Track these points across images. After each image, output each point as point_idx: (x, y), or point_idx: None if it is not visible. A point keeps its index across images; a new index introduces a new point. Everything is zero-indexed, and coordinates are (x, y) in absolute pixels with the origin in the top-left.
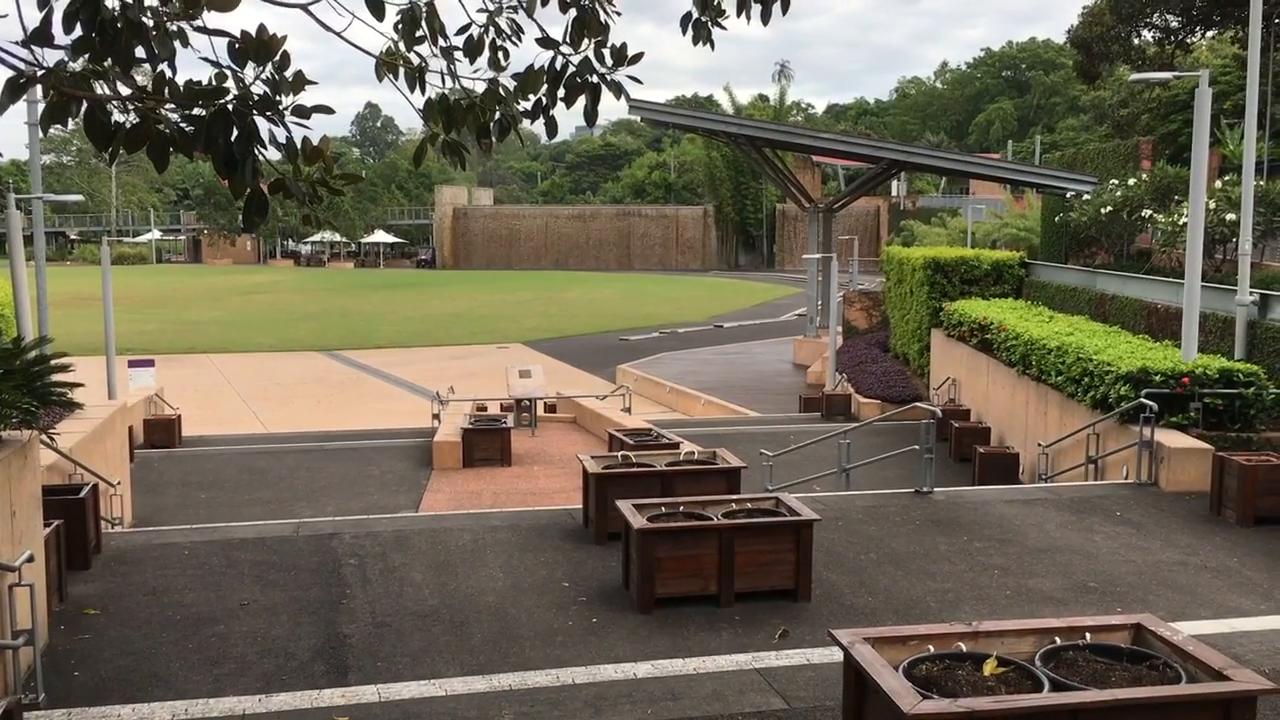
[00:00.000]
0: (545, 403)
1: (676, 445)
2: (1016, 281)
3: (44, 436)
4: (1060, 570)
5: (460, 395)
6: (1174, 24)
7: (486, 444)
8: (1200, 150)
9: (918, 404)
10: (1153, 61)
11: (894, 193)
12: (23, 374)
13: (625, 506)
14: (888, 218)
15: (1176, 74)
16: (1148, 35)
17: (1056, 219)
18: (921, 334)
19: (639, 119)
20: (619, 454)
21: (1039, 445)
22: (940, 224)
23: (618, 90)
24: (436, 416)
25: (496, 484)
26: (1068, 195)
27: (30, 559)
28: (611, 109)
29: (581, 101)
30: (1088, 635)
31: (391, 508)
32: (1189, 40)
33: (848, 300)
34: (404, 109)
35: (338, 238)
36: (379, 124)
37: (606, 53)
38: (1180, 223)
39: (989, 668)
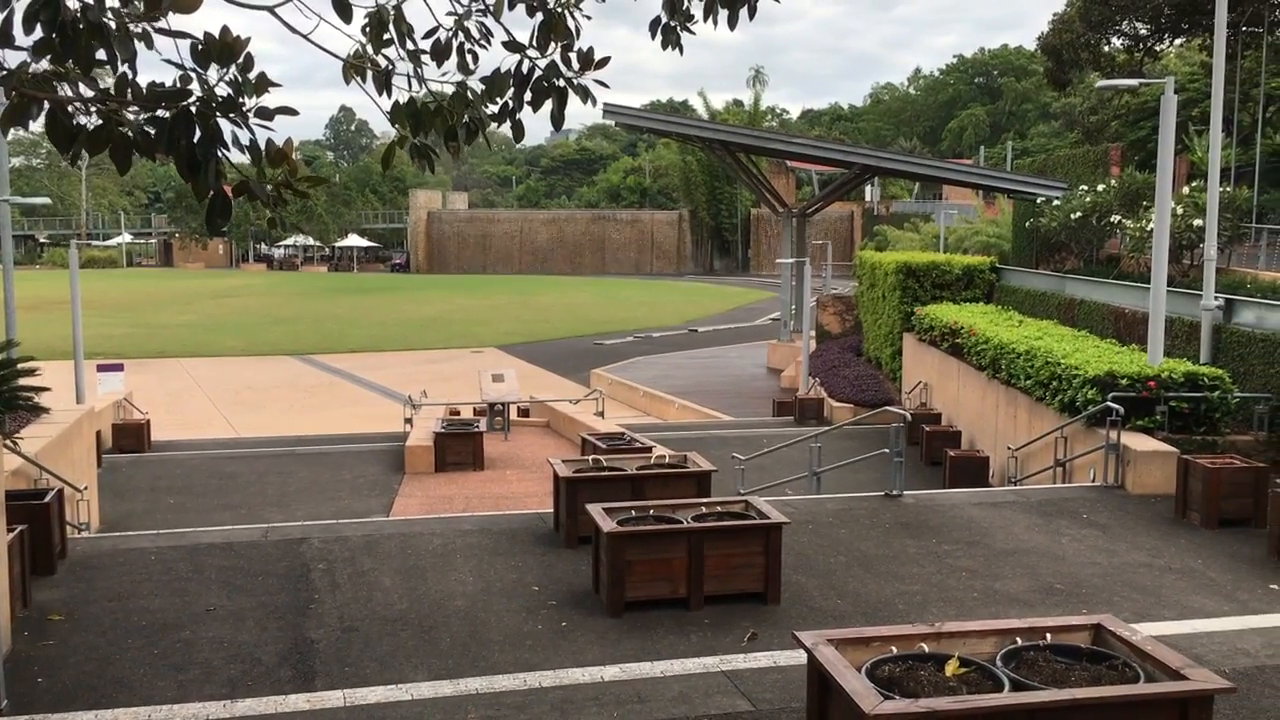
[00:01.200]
0: (518, 407)
1: (649, 449)
2: (987, 286)
3: (8, 441)
4: (1027, 572)
5: (433, 399)
6: (1143, 31)
7: (459, 448)
8: (1165, 156)
9: (889, 408)
10: (1122, 69)
11: (868, 198)
12: None
13: (595, 510)
14: (861, 222)
15: (1144, 81)
16: (1117, 42)
17: (1027, 224)
18: (894, 338)
19: (614, 124)
20: (590, 458)
21: (1008, 448)
22: (913, 229)
23: (584, 94)
24: (409, 421)
25: (468, 488)
26: (1038, 201)
27: None
28: (586, 114)
29: (549, 105)
30: (1048, 636)
31: (363, 512)
32: (1158, 48)
33: (821, 305)
34: (377, 112)
35: (311, 241)
36: (353, 127)
37: (574, 56)
38: (1148, 228)
39: (951, 668)
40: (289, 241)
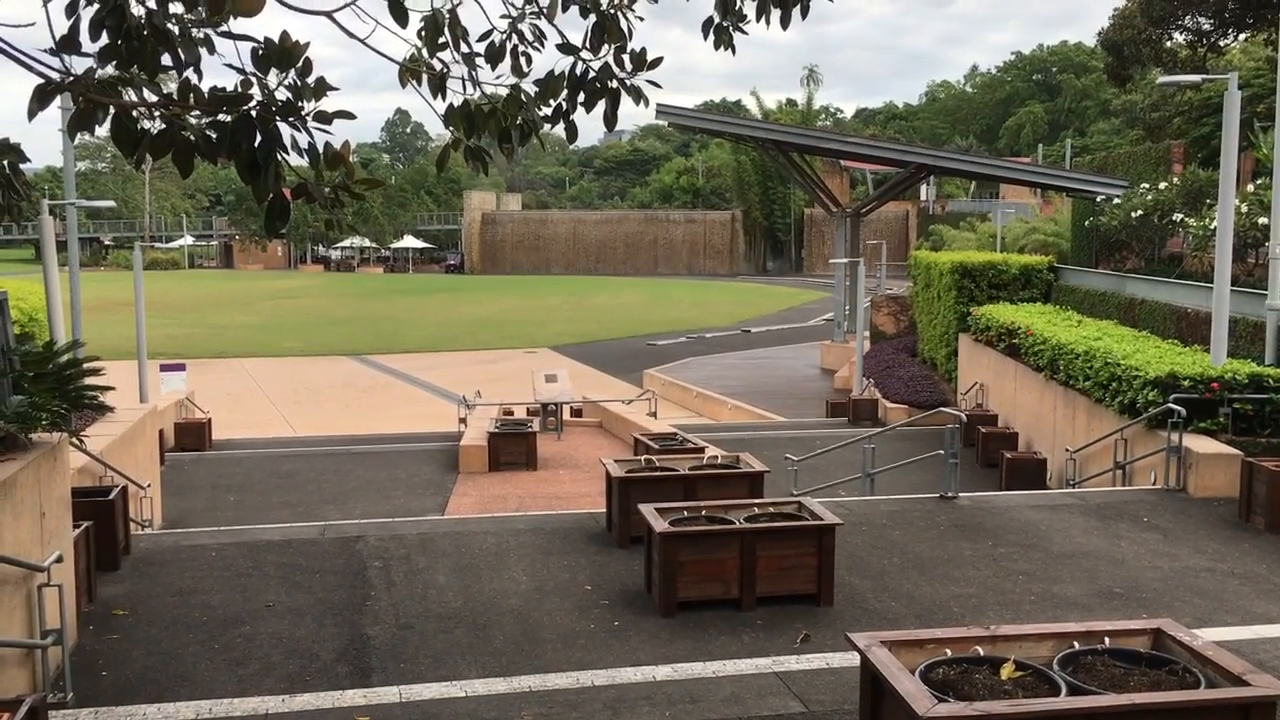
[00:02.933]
0: (571, 407)
1: (701, 450)
2: (1045, 286)
3: (74, 439)
4: (1086, 576)
5: (487, 399)
6: (1206, 26)
7: (512, 448)
8: (1229, 153)
9: (944, 409)
10: (1184, 64)
11: (923, 197)
12: (54, 377)
13: (647, 510)
14: (916, 222)
15: (1207, 77)
16: (1179, 38)
17: (1086, 223)
18: (949, 339)
19: (666, 124)
20: (643, 458)
21: (1066, 450)
22: (969, 228)
23: (637, 95)
24: (463, 420)
25: (521, 488)
26: (1098, 199)
27: (59, 560)
28: (640, 114)
29: (601, 106)
30: (1107, 640)
31: (417, 511)
32: (1221, 43)
33: (875, 305)
34: (433, 115)
35: (367, 243)
36: (408, 130)
37: (626, 58)
38: (1211, 227)
39: (1006, 671)
40: (346, 243)
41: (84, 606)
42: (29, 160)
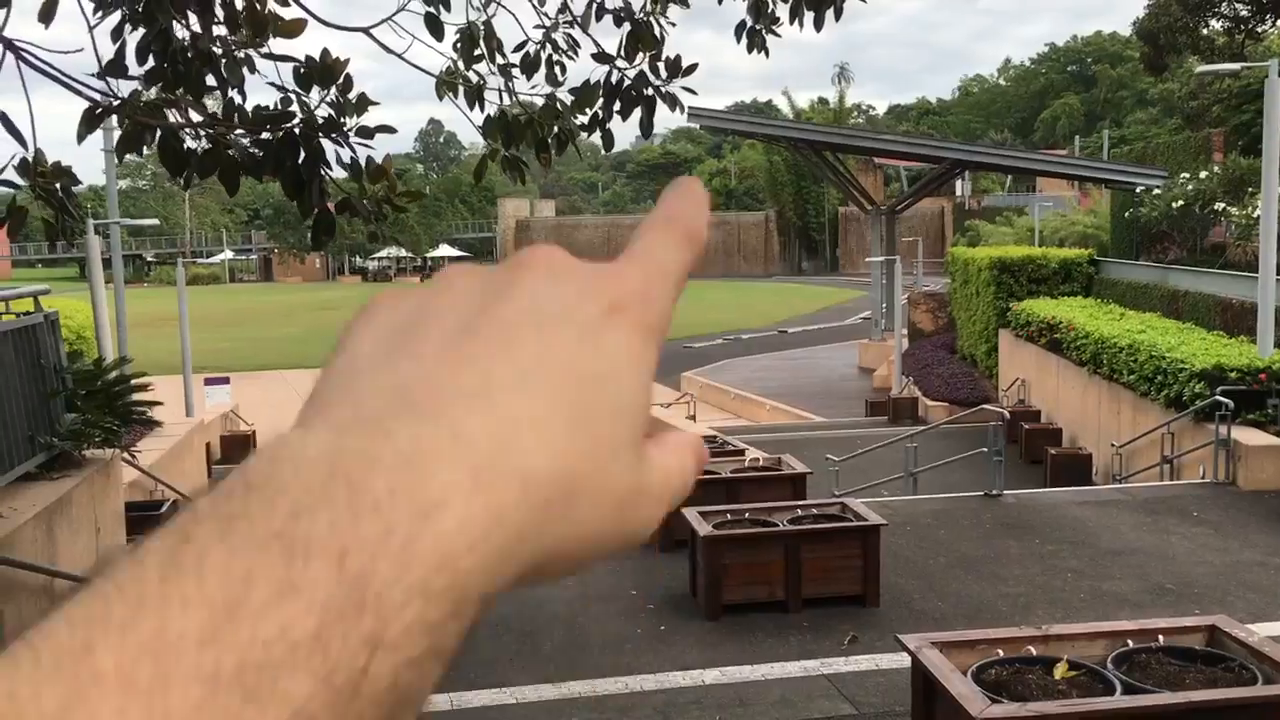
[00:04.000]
0: None
1: (742, 452)
2: (1085, 279)
3: (125, 454)
4: (1135, 572)
5: None
6: (1243, 12)
7: None
8: (1272, 141)
9: (986, 406)
10: (1222, 52)
11: (958, 193)
12: (104, 394)
13: (691, 514)
14: (952, 218)
15: (1246, 64)
16: (1216, 25)
17: (1126, 215)
18: (989, 335)
19: (698, 126)
20: None
21: (1112, 445)
22: (1006, 223)
23: (672, 102)
24: None
25: None
26: (1137, 190)
27: None
28: (671, 118)
29: (637, 114)
30: (1161, 638)
31: None
32: (1259, 29)
33: (913, 302)
34: (466, 124)
35: (404, 253)
36: (442, 139)
37: (661, 65)
38: (1254, 215)
39: (1059, 671)
40: (383, 253)
41: None
42: (80, 183)
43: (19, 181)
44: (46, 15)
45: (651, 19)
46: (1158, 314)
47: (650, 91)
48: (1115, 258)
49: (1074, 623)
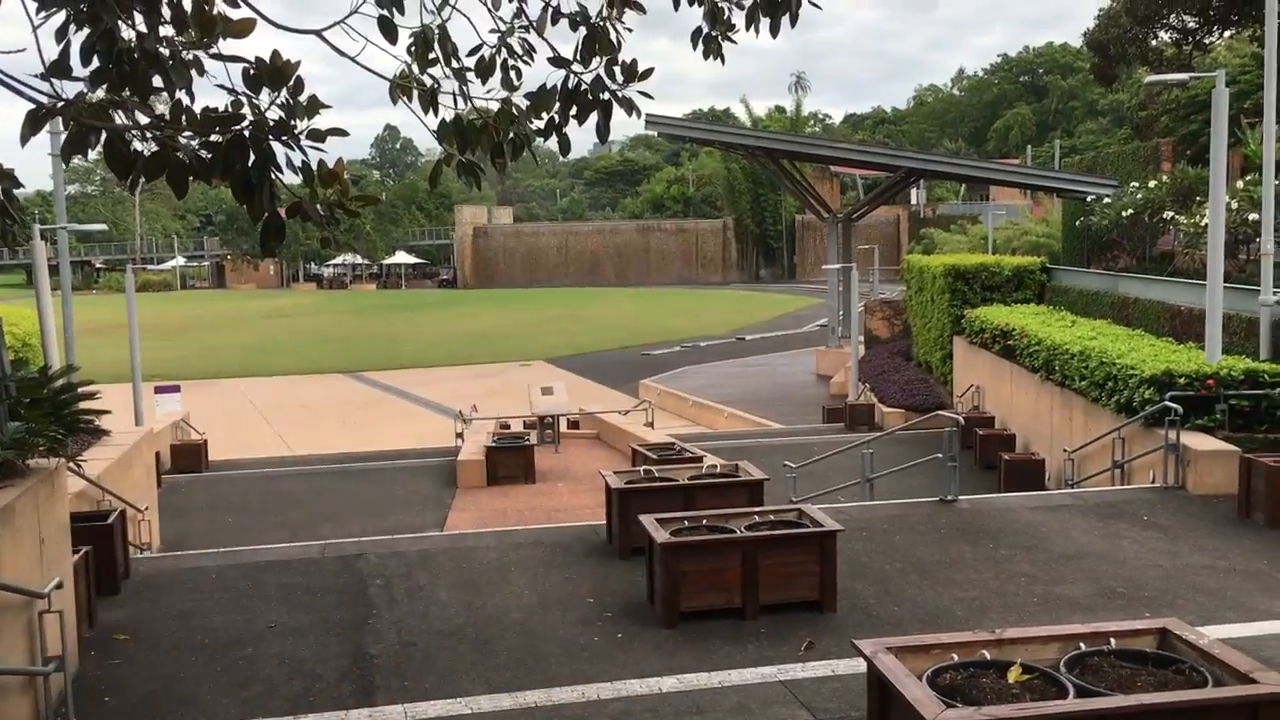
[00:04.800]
0: (568, 419)
1: (699, 459)
2: (1038, 287)
3: (71, 464)
4: (1088, 576)
5: (483, 414)
6: (1191, 24)
7: (510, 462)
8: (1219, 151)
9: (941, 412)
10: (1170, 63)
11: (914, 201)
12: (50, 402)
13: (648, 521)
14: (908, 226)
15: (1194, 75)
16: (1165, 36)
17: (1077, 223)
18: (944, 342)
19: (656, 134)
20: (641, 469)
21: (1064, 451)
22: (961, 231)
23: (629, 106)
24: (460, 435)
25: (521, 501)
26: (1088, 199)
27: (60, 586)
28: (629, 124)
29: (594, 118)
30: (1113, 641)
31: (417, 527)
32: (1207, 40)
33: (869, 310)
34: (422, 130)
35: (359, 260)
36: (398, 146)
37: (617, 69)
38: (1202, 224)
39: (1013, 675)
40: (338, 260)
41: (85, 632)
42: (22, 185)
43: None
44: None
45: (608, 24)
46: (1108, 321)
47: (607, 96)
48: (1067, 265)
49: (1027, 626)
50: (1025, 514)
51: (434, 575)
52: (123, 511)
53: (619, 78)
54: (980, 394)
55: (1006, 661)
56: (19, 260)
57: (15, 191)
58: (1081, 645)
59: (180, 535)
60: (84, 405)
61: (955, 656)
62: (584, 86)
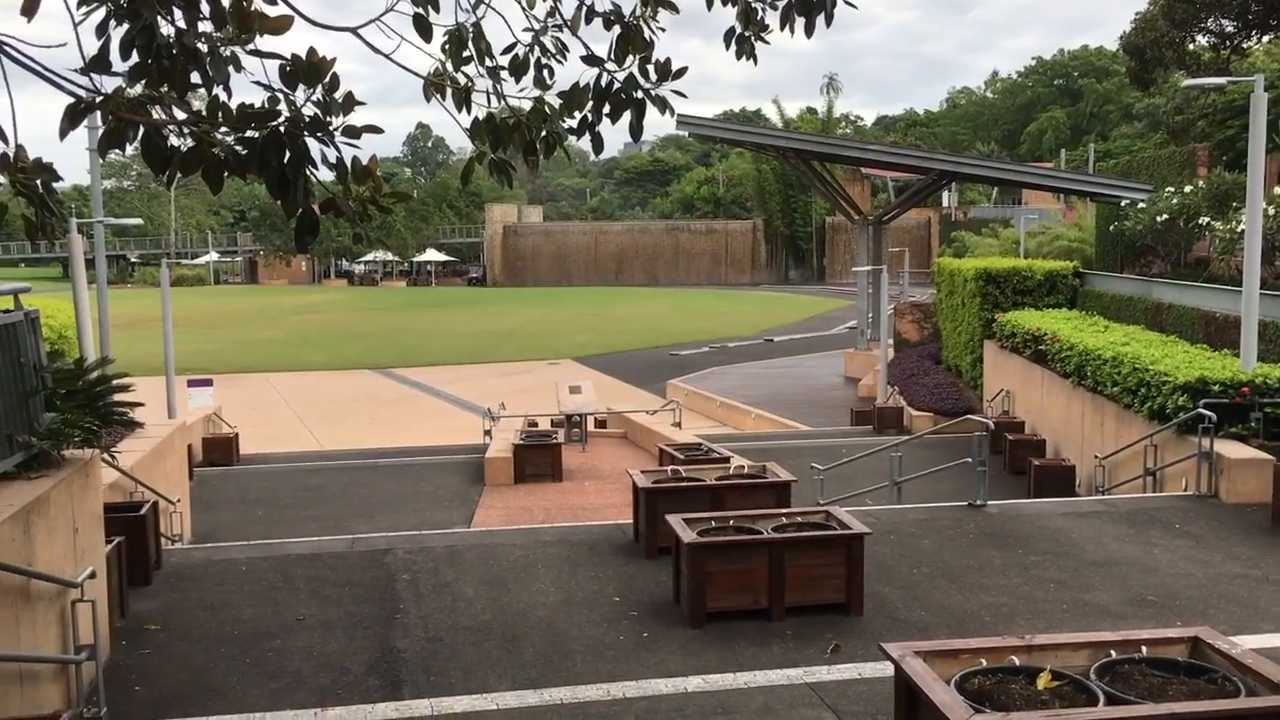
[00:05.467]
0: (595, 418)
1: (726, 460)
2: (1070, 291)
3: (105, 455)
4: (1118, 584)
5: (511, 411)
6: (1229, 28)
7: (538, 460)
8: (1257, 156)
9: (970, 416)
10: (1207, 67)
11: (945, 204)
12: (85, 394)
13: (675, 521)
14: (939, 229)
15: (1232, 79)
16: (1202, 40)
17: (1111, 228)
18: (974, 345)
19: (687, 134)
20: (669, 469)
21: (1095, 457)
22: (992, 234)
23: (662, 105)
24: (488, 433)
25: (548, 499)
26: (1122, 204)
27: (92, 575)
28: (659, 124)
29: (627, 117)
30: (1144, 649)
31: (444, 523)
32: (1245, 45)
33: (899, 312)
34: (454, 129)
35: (390, 257)
36: (430, 144)
37: (651, 68)
38: (1238, 229)
39: (1042, 681)
40: (369, 257)
41: (116, 622)
42: (61, 179)
43: None
44: (29, 9)
45: (641, 22)
46: (1142, 326)
47: (640, 94)
48: (1100, 270)
49: (1057, 633)
50: (1055, 520)
51: (461, 571)
52: (155, 503)
53: (652, 76)
54: (1010, 399)
55: (1036, 668)
56: (56, 254)
57: (54, 185)
58: (1112, 653)
59: (211, 527)
60: (118, 397)
61: (984, 662)
62: (617, 85)
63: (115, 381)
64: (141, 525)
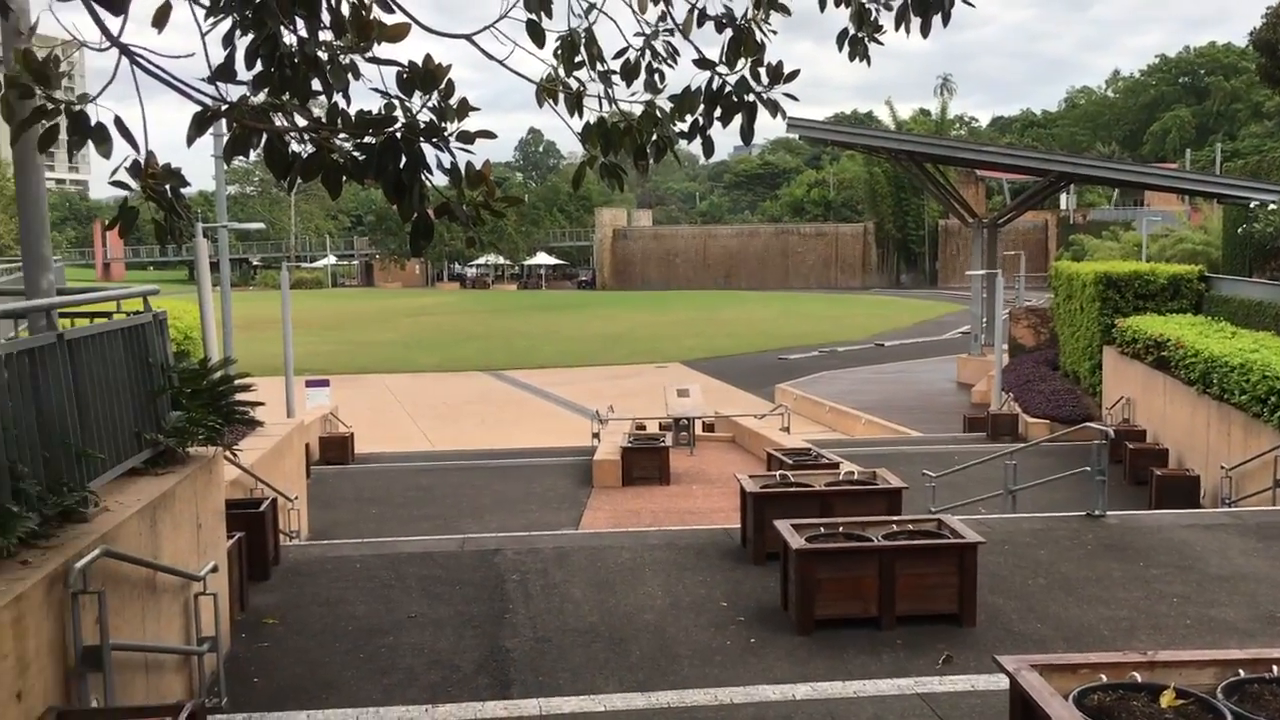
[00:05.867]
0: (703, 422)
1: (836, 465)
2: (1195, 296)
3: (228, 453)
4: (1246, 600)
5: (619, 414)
6: None
7: (645, 462)
8: None
9: (1089, 424)
10: None
11: (1063, 206)
12: (209, 393)
13: (783, 526)
14: (1056, 232)
15: None
16: None
17: (1239, 231)
18: (1093, 351)
19: (797, 137)
20: (777, 473)
21: (1221, 468)
22: (1113, 238)
23: (774, 108)
24: (596, 435)
25: (655, 502)
26: (1251, 205)
27: (215, 569)
28: (770, 127)
29: (738, 120)
30: (1275, 668)
31: (553, 525)
32: None
33: (1014, 317)
34: (565, 133)
35: (501, 260)
36: (541, 148)
37: (762, 71)
38: None
39: (1166, 699)
40: (480, 260)
41: (236, 615)
42: (189, 184)
43: (131, 183)
44: (160, 21)
45: (753, 25)
46: (1272, 333)
47: (751, 98)
48: (1227, 274)
49: (1181, 649)
50: (1178, 532)
51: (569, 573)
52: (274, 500)
53: (764, 79)
54: (1131, 406)
55: (1159, 685)
56: (182, 257)
57: (181, 190)
58: (1240, 672)
59: (327, 524)
60: (240, 397)
61: (1104, 677)
62: (729, 88)
63: (237, 381)
64: (261, 521)
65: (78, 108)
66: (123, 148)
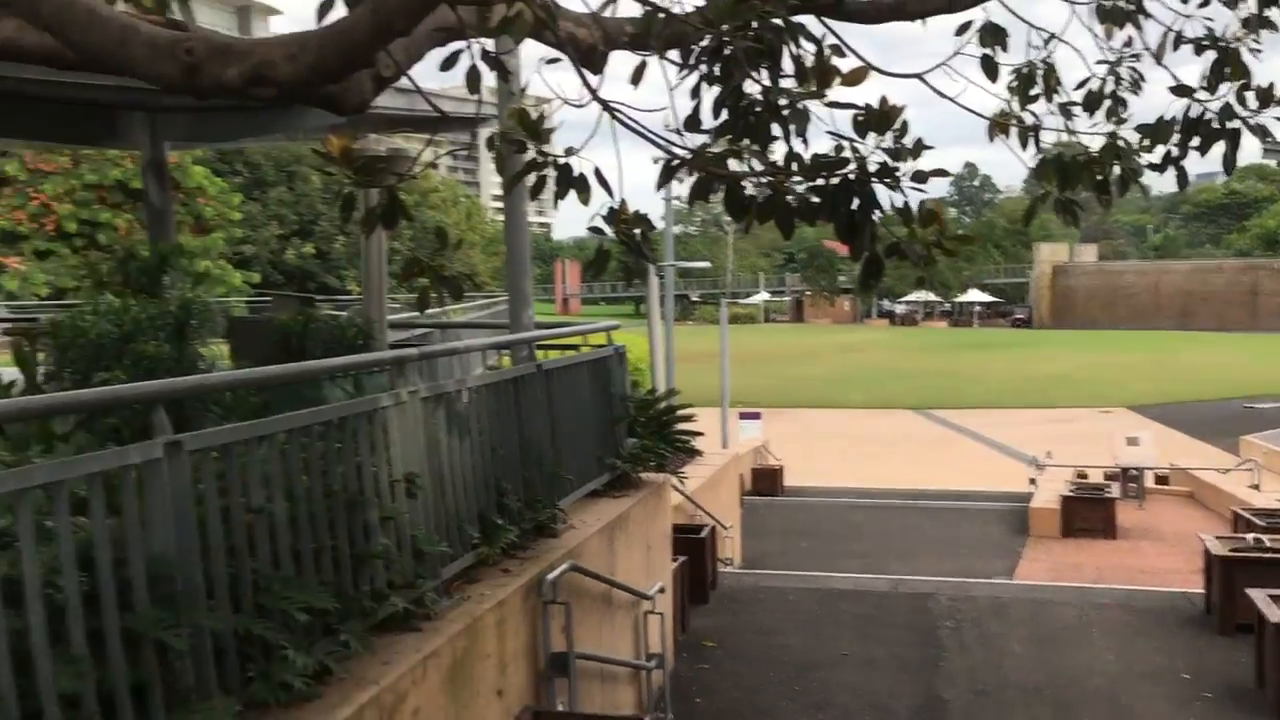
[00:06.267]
0: (1155, 473)
1: None
2: None
3: (674, 479)
4: None
5: (1058, 460)
6: None
7: (1088, 513)
8: None
9: None
10: None
11: None
12: (656, 422)
13: (1259, 597)
14: None
15: None
16: None
17: None
18: None
19: (1275, 163)
20: (1249, 536)
21: None
22: None
23: (1263, 134)
24: (1032, 481)
25: (1099, 557)
26: None
27: (661, 590)
28: (1241, 153)
29: (1218, 149)
30: None
31: (985, 572)
32: None
33: None
34: (1001, 167)
35: (931, 297)
36: (976, 183)
37: (1249, 95)
38: None
39: None
40: (910, 297)
41: (679, 635)
42: (655, 229)
43: (606, 229)
44: (636, 79)
45: (1240, 45)
46: None
47: (1235, 124)
48: None
49: None
50: None
51: (1007, 625)
52: (713, 528)
53: (1251, 104)
54: None
55: None
56: (629, 294)
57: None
58: None
59: (758, 554)
60: (683, 426)
61: None
62: (1208, 115)
63: (680, 411)
64: (702, 547)
65: (563, 160)
66: (599, 194)
